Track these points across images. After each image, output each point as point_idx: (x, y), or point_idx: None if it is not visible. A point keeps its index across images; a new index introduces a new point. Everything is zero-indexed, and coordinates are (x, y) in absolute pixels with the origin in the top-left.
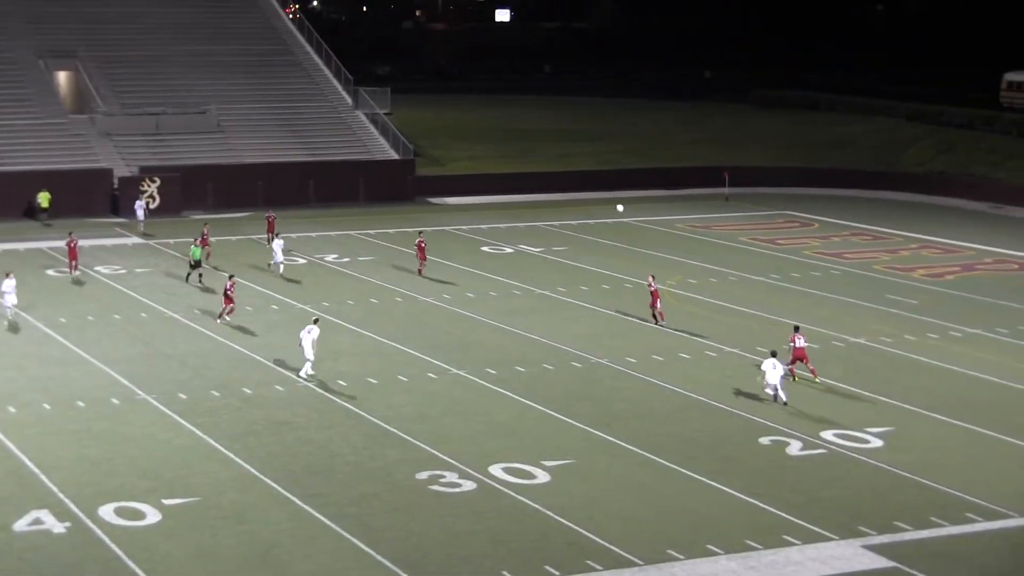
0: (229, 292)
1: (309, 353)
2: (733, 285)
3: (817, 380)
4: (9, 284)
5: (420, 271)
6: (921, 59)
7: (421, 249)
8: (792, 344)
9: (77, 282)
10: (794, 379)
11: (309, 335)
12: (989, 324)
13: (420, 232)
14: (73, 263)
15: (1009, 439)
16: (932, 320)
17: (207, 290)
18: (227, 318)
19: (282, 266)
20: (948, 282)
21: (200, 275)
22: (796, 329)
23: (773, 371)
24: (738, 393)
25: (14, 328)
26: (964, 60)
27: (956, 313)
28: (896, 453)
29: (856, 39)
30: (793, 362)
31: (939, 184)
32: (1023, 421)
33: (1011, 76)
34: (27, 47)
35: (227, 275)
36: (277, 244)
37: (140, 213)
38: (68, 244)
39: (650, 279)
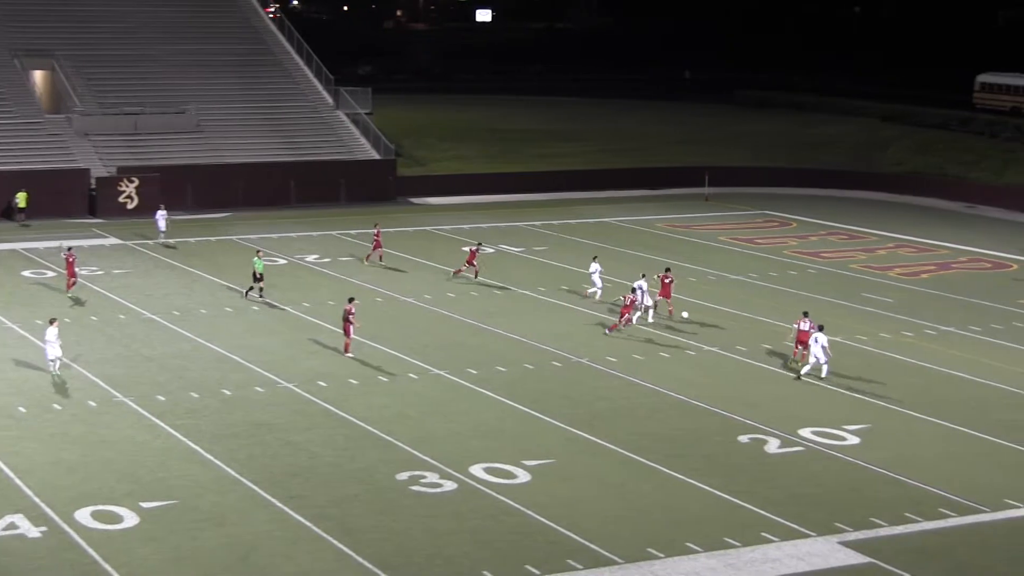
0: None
1: (52, 352)
2: (712, 284)
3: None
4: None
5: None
6: (898, 61)
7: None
8: (796, 327)
9: (76, 301)
10: (793, 359)
11: (50, 336)
12: (963, 322)
13: (376, 224)
14: (71, 280)
15: (982, 435)
16: (907, 318)
17: (270, 305)
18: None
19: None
20: (923, 281)
21: (261, 289)
22: (805, 314)
23: (815, 345)
24: (717, 392)
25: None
26: (940, 62)
27: (931, 311)
28: (872, 450)
29: (836, 41)
30: (798, 345)
31: (915, 184)
32: (996, 418)
33: (984, 78)
34: (1, 46)
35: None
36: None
37: (162, 223)
38: (66, 258)
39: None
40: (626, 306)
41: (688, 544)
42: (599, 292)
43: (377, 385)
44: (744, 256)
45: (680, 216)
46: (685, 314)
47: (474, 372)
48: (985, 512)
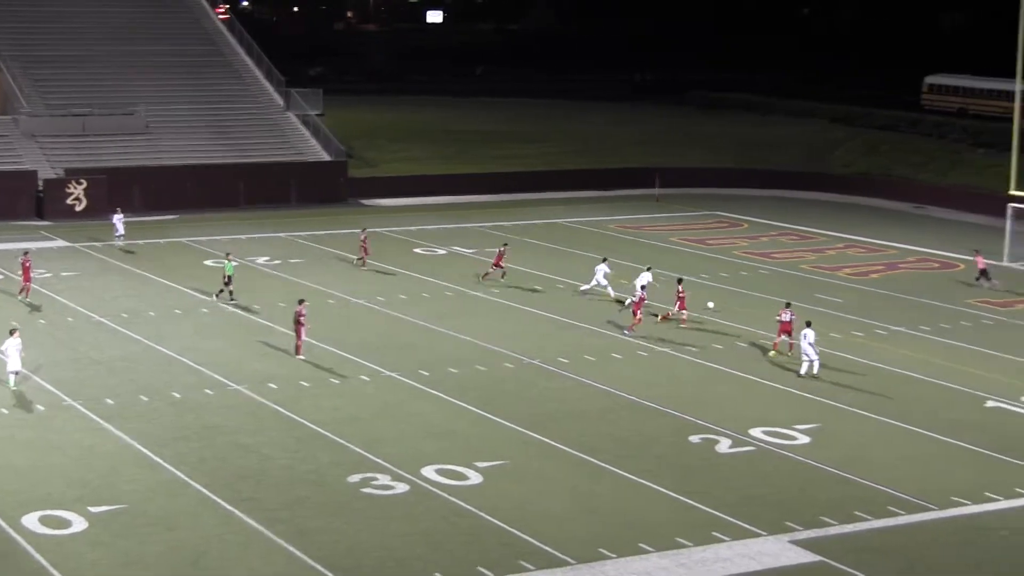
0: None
1: (13, 365)
2: (663, 285)
3: (789, 354)
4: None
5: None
6: (847, 62)
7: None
8: (779, 319)
9: (33, 308)
10: (775, 351)
11: (10, 347)
12: (912, 322)
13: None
14: (26, 286)
15: (931, 434)
16: (857, 318)
17: (243, 308)
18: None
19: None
20: (873, 281)
21: (231, 292)
22: (787, 305)
23: (803, 341)
24: (669, 392)
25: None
26: (889, 63)
27: (880, 311)
28: (822, 449)
29: (786, 43)
30: (780, 335)
31: (864, 185)
32: (945, 416)
33: (932, 79)
34: None
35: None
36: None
37: (120, 227)
38: (22, 263)
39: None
40: (636, 303)
41: (640, 544)
42: (609, 291)
43: (328, 387)
44: (695, 257)
45: (631, 217)
46: (711, 304)
47: (426, 374)
48: (933, 510)
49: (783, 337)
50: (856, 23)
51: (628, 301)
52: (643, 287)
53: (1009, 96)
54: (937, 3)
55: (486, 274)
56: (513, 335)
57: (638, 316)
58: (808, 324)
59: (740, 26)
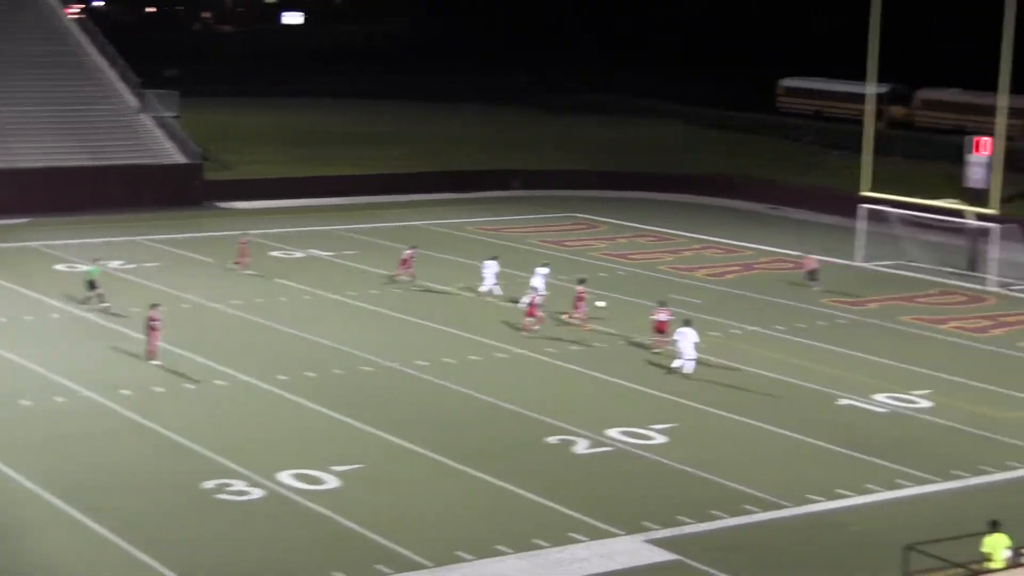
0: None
1: None
2: (522, 287)
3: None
4: None
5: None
6: (704, 65)
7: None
8: (653, 317)
9: None
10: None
11: None
12: (767, 322)
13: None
14: None
15: (785, 432)
16: (714, 318)
17: (110, 314)
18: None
19: None
20: (729, 281)
21: (100, 296)
22: (662, 304)
23: (684, 339)
24: (526, 393)
25: None
26: (745, 65)
27: (736, 311)
28: (679, 449)
29: (646, 45)
30: (657, 334)
31: (721, 186)
32: (799, 415)
33: (787, 82)
34: None
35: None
36: None
37: None
38: None
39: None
40: (532, 305)
41: (497, 546)
42: (495, 291)
43: (183, 392)
44: (553, 258)
45: (490, 219)
46: (600, 304)
47: (283, 378)
48: (788, 507)
49: (658, 336)
50: (713, 24)
51: (522, 302)
52: (534, 287)
53: (862, 99)
54: (797, 6)
55: (395, 275)
56: (371, 338)
57: (538, 315)
58: (688, 323)
59: (599, 27)
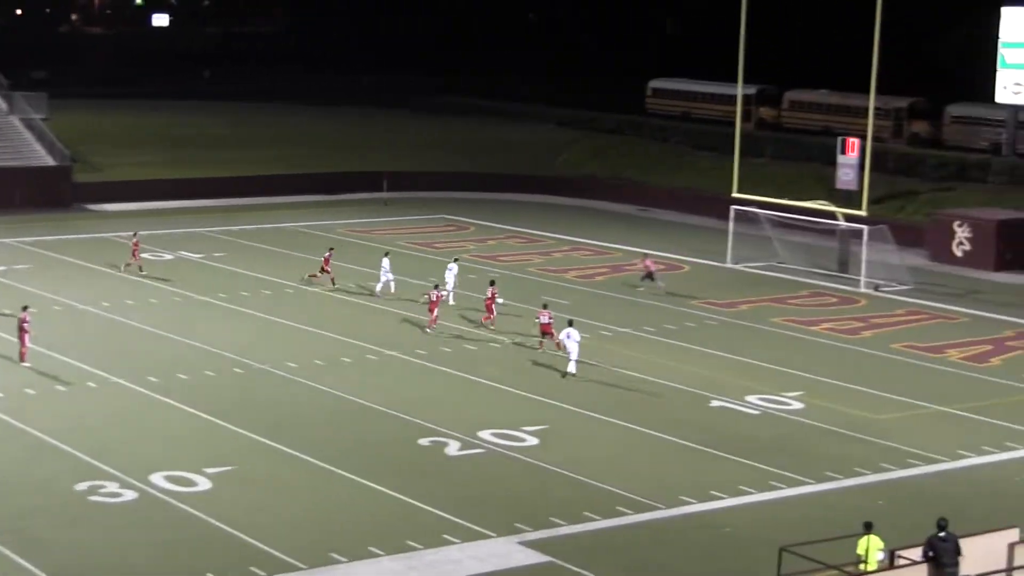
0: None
1: None
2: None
3: (542, 350)
4: None
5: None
6: (574, 67)
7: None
8: (538, 320)
9: None
10: (541, 348)
11: None
12: (637, 323)
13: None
14: None
15: (657, 434)
16: (585, 320)
17: None
18: None
19: None
20: (599, 283)
21: None
22: (544, 307)
23: (568, 340)
24: (398, 395)
25: None
26: (614, 68)
27: (606, 312)
28: (551, 451)
29: (514, 46)
30: (544, 336)
31: (591, 188)
32: (671, 416)
33: (656, 83)
34: None
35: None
36: None
37: None
38: None
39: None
40: (433, 302)
41: (371, 548)
42: (391, 287)
43: (55, 394)
44: (424, 260)
45: (360, 221)
46: (499, 300)
47: (154, 380)
48: (660, 509)
49: (546, 339)
50: (579, 27)
51: (423, 297)
52: (436, 285)
53: (731, 100)
54: (662, 7)
55: (313, 275)
56: (242, 341)
57: (434, 314)
58: (570, 323)
59: (467, 30)
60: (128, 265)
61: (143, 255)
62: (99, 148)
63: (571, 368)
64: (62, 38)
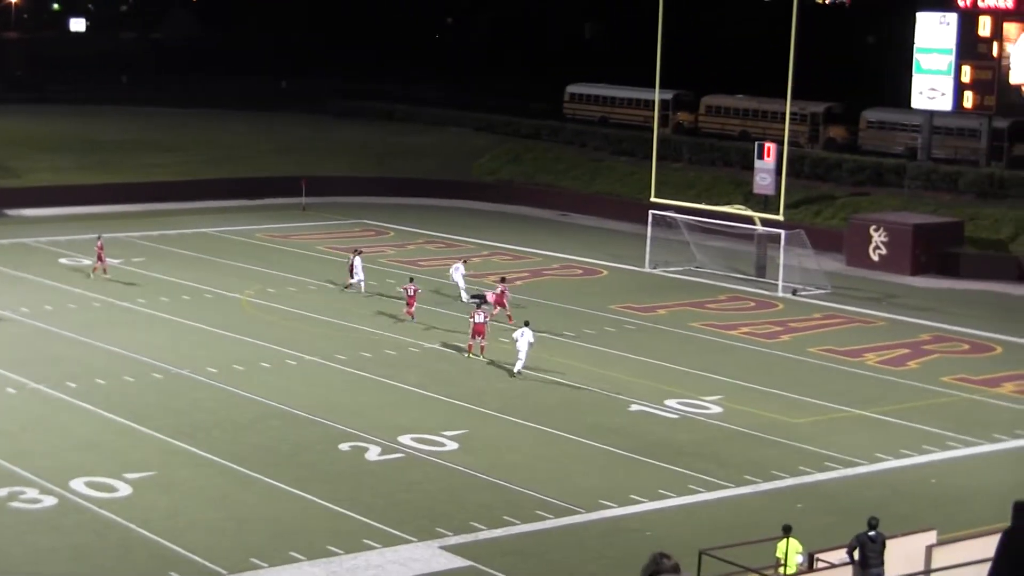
0: None
1: None
2: (312, 294)
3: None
4: None
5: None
6: (490, 71)
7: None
8: (472, 320)
9: None
10: (469, 354)
11: None
12: (557, 327)
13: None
14: None
15: (577, 439)
16: (503, 324)
17: None
18: None
19: None
20: (518, 287)
21: None
22: (478, 306)
23: (521, 339)
24: (318, 401)
25: None
26: (529, 72)
27: (525, 317)
28: (470, 455)
29: (429, 51)
30: (474, 337)
31: (508, 193)
32: (591, 421)
33: (573, 88)
34: None
35: None
36: None
37: None
38: None
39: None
40: (411, 296)
41: (291, 553)
42: (361, 287)
43: None
44: (343, 265)
45: (278, 226)
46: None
47: (73, 385)
48: (580, 513)
49: (477, 339)
50: (495, 31)
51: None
52: (411, 279)
53: (648, 105)
54: (579, 12)
55: (94, 268)
56: (161, 346)
57: (410, 308)
58: (527, 324)
59: (381, 34)
60: (95, 270)
61: (62, 260)
62: (17, 152)
63: (517, 367)
64: None
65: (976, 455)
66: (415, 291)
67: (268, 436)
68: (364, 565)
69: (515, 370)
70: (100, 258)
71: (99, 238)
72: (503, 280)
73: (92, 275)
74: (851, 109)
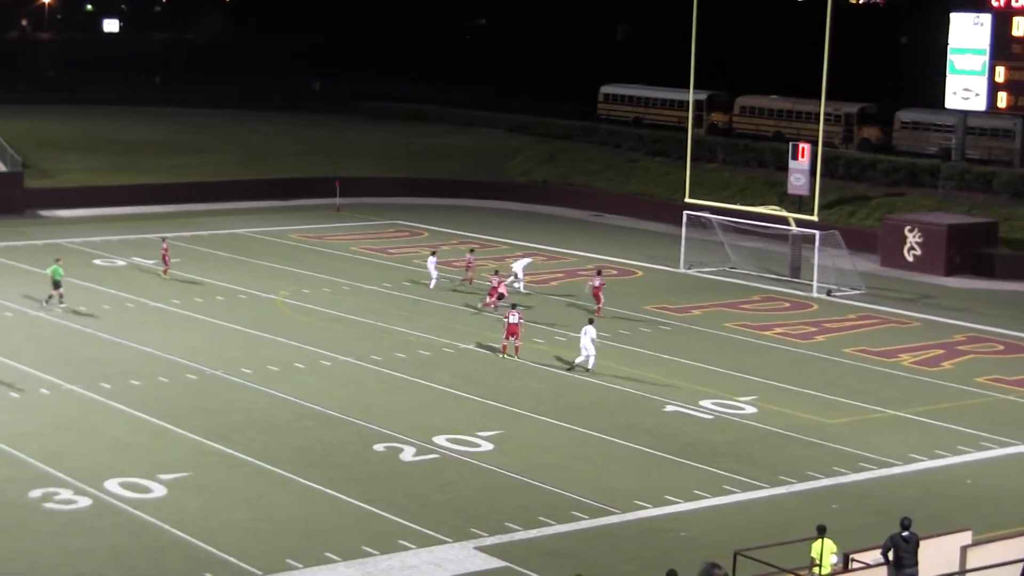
0: None
1: None
2: (346, 295)
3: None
4: None
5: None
6: (523, 72)
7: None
8: (507, 320)
9: None
10: (503, 354)
11: None
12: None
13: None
14: None
15: (612, 439)
16: (538, 325)
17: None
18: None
19: None
20: (553, 287)
21: (61, 296)
22: (514, 307)
23: (584, 337)
24: (353, 401)
25: None
26: (561, 74)
27: (560, 317)
28: (505, 456)
29: (461, 53)
30: (508, 337)
31: (542, 193)
32: (625, 422)
33: (607, 89)
34: None
35: None
36: None
37: None
38: None
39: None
40: (494, 287)
41: (327, 554)
42: (433, 282)
43: (8, 401)
44: (377, 266)
45: (312, 227)
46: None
47: (107, 386)
48: (616, 514)
49: (511, 339)
50: (527, 33)
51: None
52: (496, 271)
53: (682, 105)
54: (612, 14)
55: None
56: (196, 346)
57: (492, 299)
58: (591, 321)
59: (414, 36)
60: (165, 272)
61: (96, 261)
62: (50, 154)
63: (590, 364)
64: (11, 44)
65: (1011, 456)
66: (499, 282)
67: (302, 437)
68: (399, 566)
69: (588, 367)
70: (165, 259)
71: (164, 240)
72: (599, 273)
73: (164, 275)
74: (885, 110)
